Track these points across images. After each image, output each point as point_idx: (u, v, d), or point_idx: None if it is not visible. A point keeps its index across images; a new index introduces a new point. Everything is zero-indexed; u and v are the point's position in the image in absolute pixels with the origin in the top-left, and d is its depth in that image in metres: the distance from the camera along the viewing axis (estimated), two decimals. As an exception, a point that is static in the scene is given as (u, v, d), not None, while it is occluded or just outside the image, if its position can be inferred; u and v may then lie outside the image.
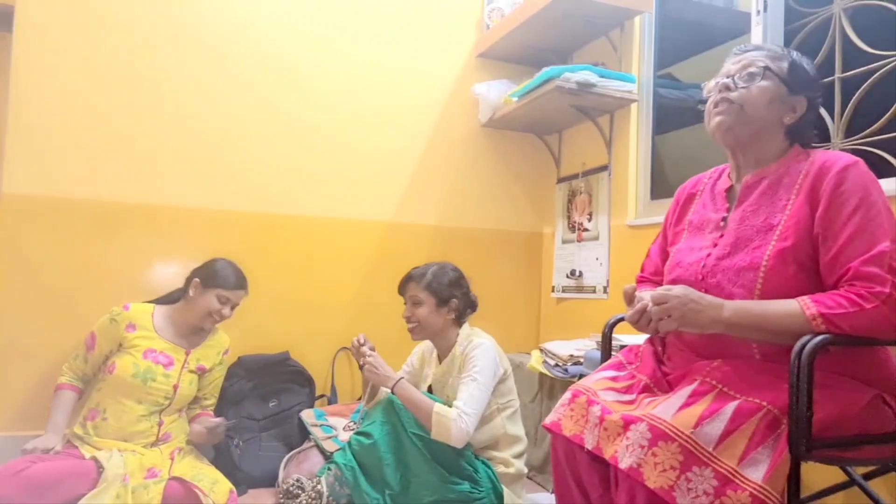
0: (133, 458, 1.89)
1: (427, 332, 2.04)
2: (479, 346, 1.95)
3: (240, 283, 2.17)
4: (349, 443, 1.82)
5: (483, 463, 1.84)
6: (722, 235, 1.35)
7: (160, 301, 2.21)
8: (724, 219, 1.39)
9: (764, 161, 1.36)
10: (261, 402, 2.54)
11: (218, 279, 2.12)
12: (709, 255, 1.34)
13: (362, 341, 1.98)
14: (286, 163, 2.73)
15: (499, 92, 2.91)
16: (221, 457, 2.31)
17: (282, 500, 2.12)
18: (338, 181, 2.82)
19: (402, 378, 1.90)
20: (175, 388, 2.07)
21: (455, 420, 1.76)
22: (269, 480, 2.33)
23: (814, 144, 1.41)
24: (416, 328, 2.04)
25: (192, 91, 2.59)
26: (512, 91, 2.80)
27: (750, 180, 1.37)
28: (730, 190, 1.43)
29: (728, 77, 1.36)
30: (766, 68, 1.33)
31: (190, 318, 2.14)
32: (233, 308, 2.16)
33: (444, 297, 2.02)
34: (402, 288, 2.08)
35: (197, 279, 2.12)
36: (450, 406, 1.82)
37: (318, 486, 1.78)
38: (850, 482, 1.43)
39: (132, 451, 1.94)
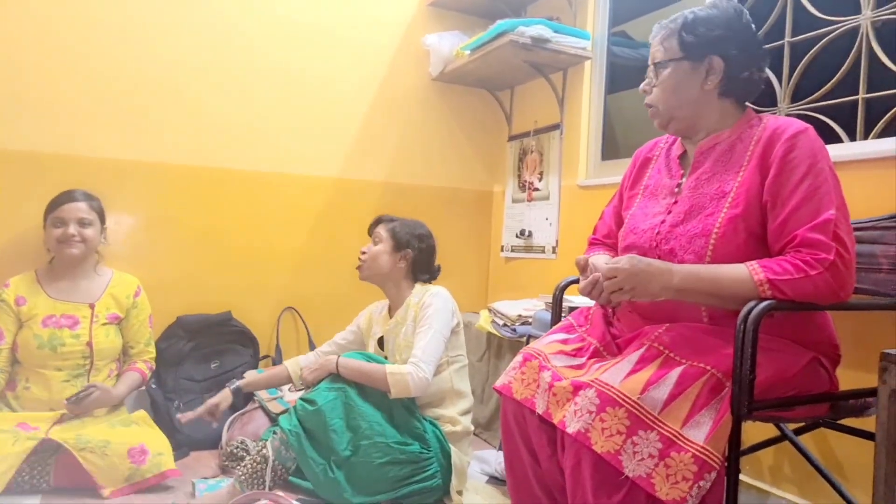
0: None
1: (372, 270, 2.01)
2: (436, 294, 1.94)
3: (65, 197, 2.04)
4: (295, 407, 1.77)
5: (430, 423, 1.84)
6: (676, 202, 1.35)
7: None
8: (678, 185, 1.38)
9: (715, 128, 1.36)
10: (202, 363, 2.48)
11: (48, 209, 2.03)
12: (663, 221, 1.34)
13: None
14: (228, 115, 2.59)
15: (450, 44, 2.82)
16: (161, 419, 2.25)
17: (225, 463, 2.09)
18: (282, 135, 2.70)
19: (337, 356, 1.86)
20: (89, 345, 1.98)
21: (411, 373, 1.76)
22: (212, 443, 2.29)
23: (761, 108, 1.41)
24: (364, 265, 2.02)
25: (133, 40, 2.41)
26: (464, 44, 2.71)
27: (704, 146, 1.37)
28: (683, 156, 1.43)
29: (646, 77, 1.41)
30: (662, 59, 1.35)
31: (60, 264, 2.04)
32: (82, 224, 2.03)
33: (401, 242, 2.01)
34: (371, 228, 2.08)
35: (42, 228, 2.04)
36: (403, 360, 1.84)
37: (264, 451, 1.74)
38: (782, 437, 1.51)
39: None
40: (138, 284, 2.16)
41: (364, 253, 2.02)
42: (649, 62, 1.40)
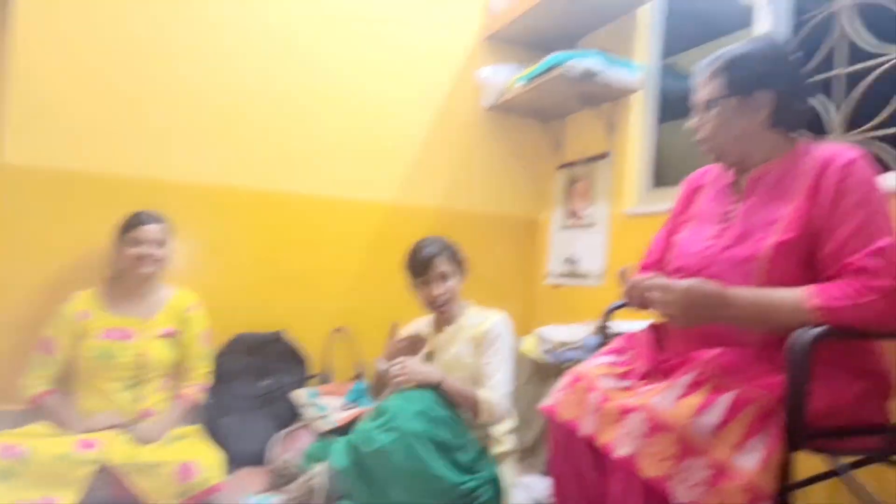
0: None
1: (454, 304, 2.00)
2: (500, 322, 1.96)
3: (145, 219, 2.12)
4: (351, 441, 1.73)
5: (479, 445, 1.82)
6: (727, 227, 1.36)
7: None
8: (730, 211, 1.39)
9: (767, 158, 1.37)
10: (253, 381, 2.52)
11: (124, 227, 2.11)
12: (712, 245, 1.35)
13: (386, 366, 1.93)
14: (287, 140, 2.70)
15: (504, 76, 2.89)
16: (211, 434, 2.30)
17: (272, 479, 2.12)
18: (340, 160, 2.79)
19: (444, 375, 1.85)
20: (141, 356, 2.04)
21: (498, 404, 1.83)
22: (260, 459, 2.31)
23: (815, 136, 1.42)
24: (449, 303, 1.98)
25: (196, 64, 2.55)
26: (517, 76, 2.78)
27: (755, 174, 1.38)
28: (734, 183, 1.44)
29: (695, 116, 1.43)
30: (710, 98, 1.37)
31: (127, 280, 2.12)
32: (159, 245, 2.11)
33: (460, 266, 2.03)
34: (425, 267, 1.97)
35: (113, 243, 2.13)
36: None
37: (312, 481, 1.76)
38: (836, 472, 1.46)
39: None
40: (195, 299, 2.24)
41: (442, 296, 1.96)
42: (696, 101, 1.42)
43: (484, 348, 1.92)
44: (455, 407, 1.82)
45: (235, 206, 2.62)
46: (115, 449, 1.82)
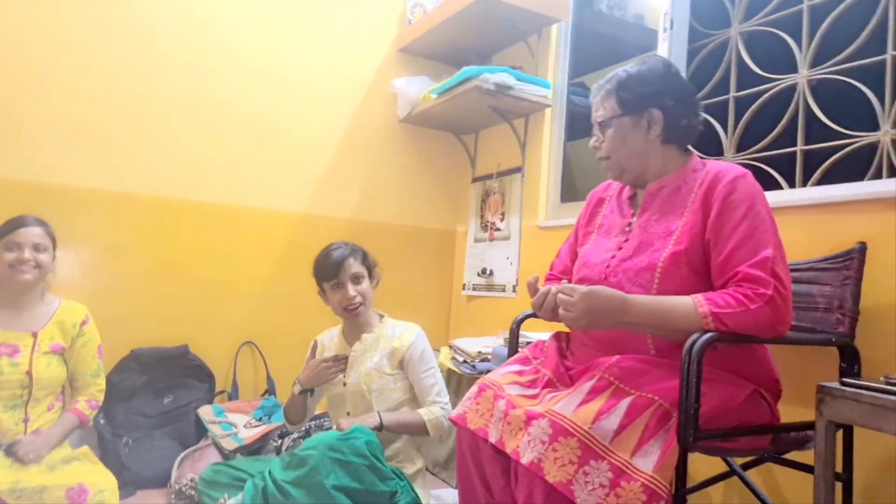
0: None
1: (367, 309, 1.96)
2: (419, 334, 1.97)
3: (19, 222, 1.97)
4: (262, 491, 1.63)
5: (395, 472, 1.75)
6: (627, 240, 1.42)
7: None
8: (629, 224, 1.46)
9: (661, 173, 1.45)
10: (155, 398, 2.41)
11: (0, 231, 1.95)
12: (613, 256, 1.41)
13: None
14: (192, 146, 2.60)
15: (418, 88, 2.91)
16: (108, 455, 2.17)
17: (174, 501, 2.02)
18: (249, 168, 2.71)
19: (379, 412, 1.84)
20: (28, 374, 1.90)
21: (442, 416, 1.87)
22: (161, 481, 2.22)
23: (708, 157, 1.51)
24: (363, 306, 1.93)
25: (92, 61, 2.41)
26: (431, 88, 2.80)
27: (652, 188, 1.45)
28: (633, 197, 1.51)
29: (593, 136, 1.50)
30: (605, 118, 1.45)
31: (8, 290, 1.96)
32: (39, 250, 1.95)
33: (372, 270, 2.00)
34: (337, 268, 1.90)
35: None
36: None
37: None
38: (730, 472, 1.54)
39: None
40: (87, 313, 2.10)
41: (354, 299, 1.91)
42: (593, 121, 1.49)
43: (414, 364, 1.92)
44: (405, 433, 1.86)
45: (134, 214, 2.48)
46: (1, 475, 1.68)
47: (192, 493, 2.00)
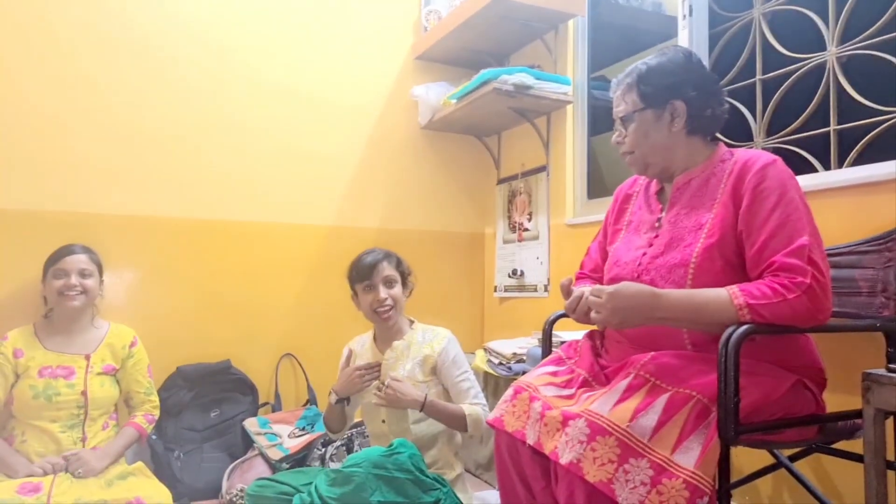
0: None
1: (398, 314, 1.98)
2: (451, 339, 1.98)
3: (65, 251, 2.08)
4: (312, 499, 1.66)
5: (437, 480, 1.76)
6: (657, 236, 1.41)
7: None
8: (658, 220, 1.44)
9: (688, 165, 1.43)
10: (202, 413, 2.48)
11: (48, 263, 2.07)
12: (644, 253, 1.39)
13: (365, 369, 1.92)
14: (223, 167, 2.66)
15: (437, 94, 2.92)
16: (161, 469, 2.24)
17: (225, 513, 2.07)
18: (277, 186, 2.76)
19: (426, 395, 1.85)
20: (83, 394, 1.99)
21: (482, 415, 1.86)
22: (213, 492, 2.28)
23: (737, 143, 1.48)
24: (393, 310, 1.94)
25: (127, 94, 2.50)
26: (450, 93, 2.81)
27: (679, 182, 1.43)
28: (661, 192, 1.49)
29: (615, 131, 1.48)
30: (627, 113, 1.43)
31: (60, 316, 2.07)
32: (83, 275, 2.06)
33: (407, 278, 2.02)
34: (370, 270, 1.92)
35: (42, 278, 2.08)
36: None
37: None
38: (778, 465, 1.51)
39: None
40: (134, 335, 2.19)
41: (385, 301, 1.92)
42: (615, 117, 1.47)
43: (447, 370, 1.93)
44: (443, 423, 1.86)
45: (170, 237, 2.56)
46: (62, 491, 1.76)
47: (242, 503, 2.04)
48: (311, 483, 1.71)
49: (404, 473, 1.63)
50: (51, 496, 1.72)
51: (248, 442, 2.46)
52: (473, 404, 1.89)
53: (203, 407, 2.48)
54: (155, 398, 2.21)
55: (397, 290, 1.96)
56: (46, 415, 1.94)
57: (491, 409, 2.43)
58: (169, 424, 2.39)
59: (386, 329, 2.00)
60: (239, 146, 2.70)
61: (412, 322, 2.05)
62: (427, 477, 1.67)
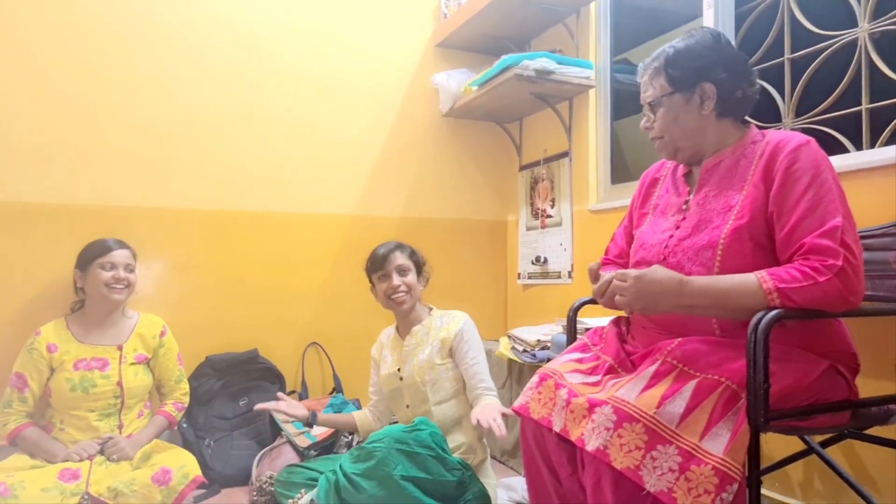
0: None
1: (413, 301, 2.03)
2: (467, 322, 2.00)
3: (113, 244, 2.12)
4: (334, 485, 1.70)
5: (461, 463, 1.78)
6: (684, 218, 1.39)
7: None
8: (686, 202, 1.42)
9: (718, 148, 1.40)
10: (231, 401, 2.52)
11: (90, 254, 2.10)
12: (671, 236, 1.37)
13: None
14: (248, 158, 2.69)
15: (458, 81, 2.91)
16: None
17: (255, 498, 2.11)
18: (301, 176, 2.79)
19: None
20: (119, 384, 2.04)
21: (496, 402, 1.88)
22: (243, 479, 2.32)
23: (765, 124, 1.45)
24: (408, 296, 2.01)
25: (151, 88, 2.53)
26: (471, 80, 2.80)
27: (708, 164, 1.41)
28: (689, 174, 1.47)
29: (644, 116, 1.45)
30: (655, 98, 1.40)
31: (96, 307, 2.10)
32: (128, 270, 2.11)
33: (421, 267, 2.07)
34: (383, 260, 2.02)
35: (76, 270, 2.11)
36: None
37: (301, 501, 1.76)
38: (808, 451, 1.49)
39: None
40: (164, 325, 2.23)
41: (399, 288, 2.00)
42: (643, 102, 1.45)
43: (462, 351, 1.96)
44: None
45: (196, 228, 2.59)
46: (99, 477, 1.82)
47: (272, 489, 2.08)
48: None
49: (425, 449, 1.66)
50: (88, 483, 1.78)
51: (276, 430, 2.50)
52: (488, 392, 1.90)
53: (232, 395, 2.53)
54: (185, 385, 2.26)
55: (411, 277, 2.02)
56: (84, 405, 2.00)
57: (516, 396, 2.44)
58: (199, 413, 2.43)
59: (405, 317, 2.06)
60: (262, 136, 2.72)
61: (430, 309, 2.10)
62: (449, 455, 1.69)
